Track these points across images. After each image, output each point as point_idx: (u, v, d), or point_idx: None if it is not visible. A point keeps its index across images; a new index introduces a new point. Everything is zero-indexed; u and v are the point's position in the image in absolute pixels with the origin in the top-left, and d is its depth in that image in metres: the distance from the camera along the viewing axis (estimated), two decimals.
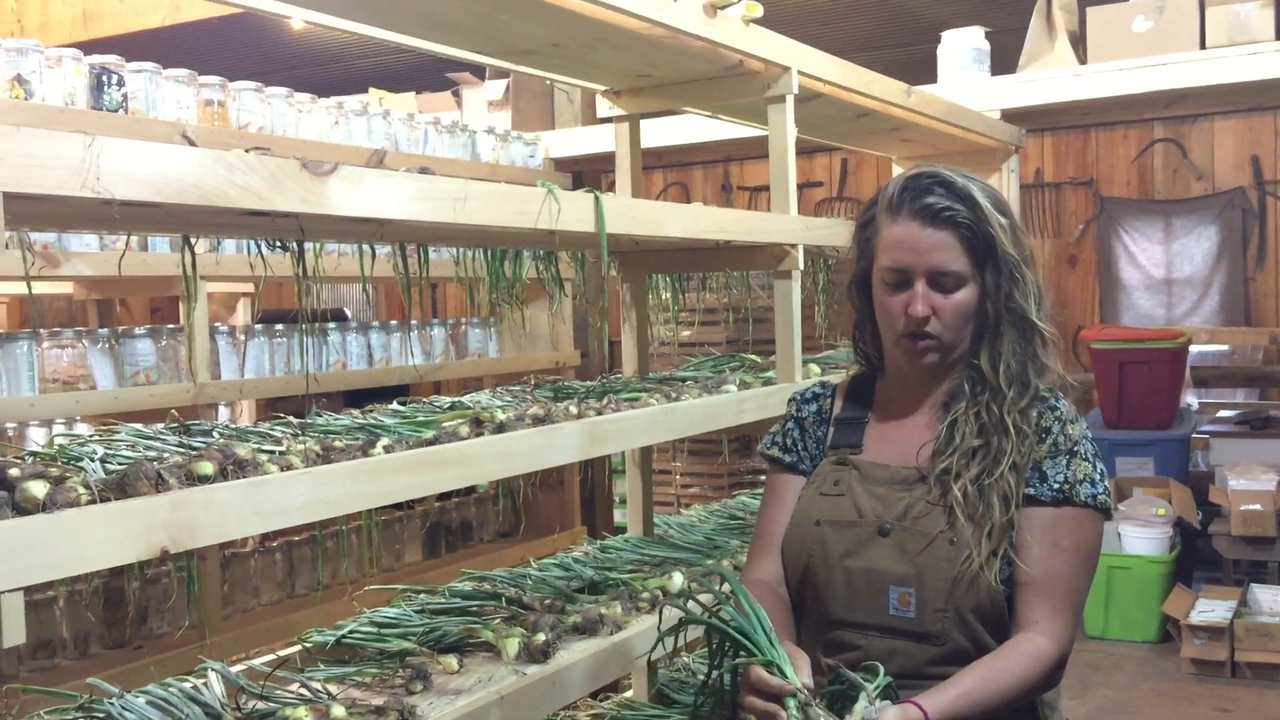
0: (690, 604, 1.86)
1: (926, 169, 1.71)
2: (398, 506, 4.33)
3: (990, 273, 1.67)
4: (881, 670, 1.57)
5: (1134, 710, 4.76)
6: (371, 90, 5.92)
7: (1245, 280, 7.31)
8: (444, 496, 4.79)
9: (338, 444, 1.77)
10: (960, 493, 1.62)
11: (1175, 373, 6.37)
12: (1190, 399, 7.06)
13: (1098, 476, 1.67)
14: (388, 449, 1.77)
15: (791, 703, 1.46)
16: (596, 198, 2.10)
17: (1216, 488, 5.99)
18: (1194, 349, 6.84)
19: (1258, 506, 5.69)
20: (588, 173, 5.37)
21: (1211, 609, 5.33)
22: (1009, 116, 4.41)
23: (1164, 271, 7.52)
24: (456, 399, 2.40)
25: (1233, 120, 7.34)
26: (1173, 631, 5.48)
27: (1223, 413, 6.80)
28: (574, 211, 2.03)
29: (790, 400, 1.94)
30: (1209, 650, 5.16)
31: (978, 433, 1.66)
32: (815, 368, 3.10)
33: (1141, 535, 5.56)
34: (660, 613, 1.95)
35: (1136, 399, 6.00)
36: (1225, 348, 7.38)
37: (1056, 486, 1.64)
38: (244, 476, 1.49)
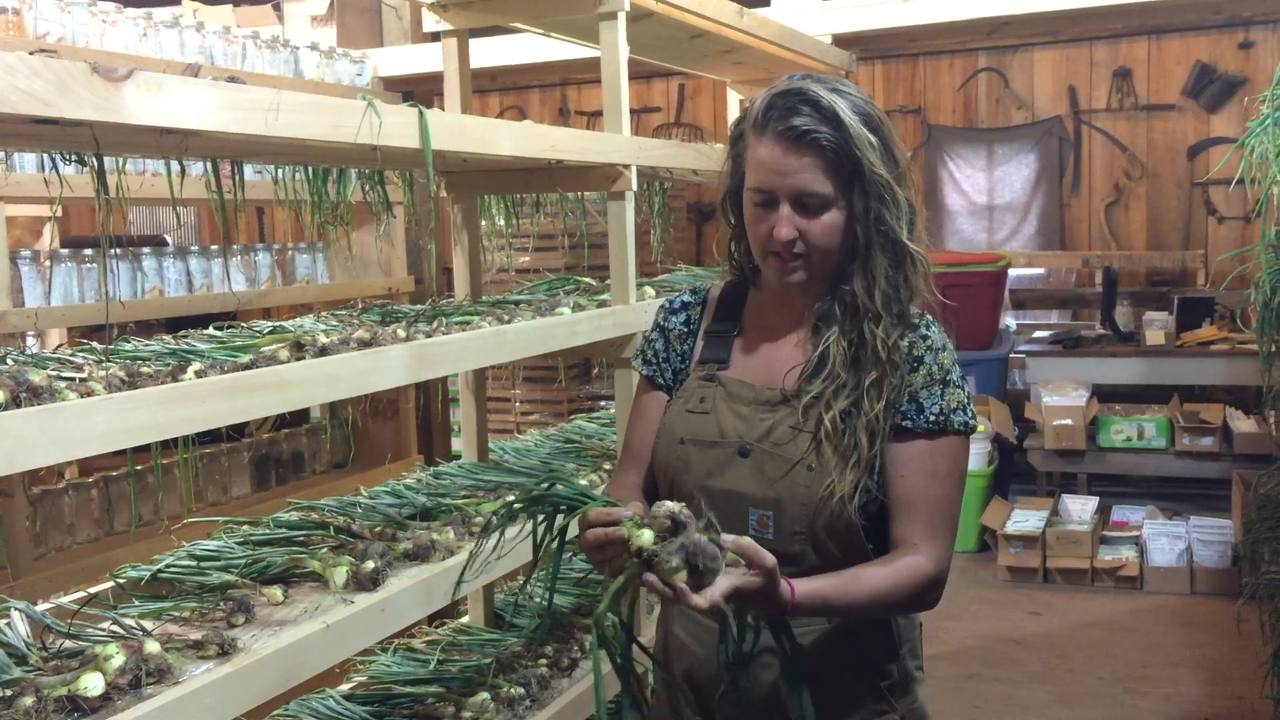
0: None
1: (795, 84, 1.63)
2: (220, 437, 4.17)
3: (858, 196, 1.62)
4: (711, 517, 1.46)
5: (955, 617, 5.00)
6: (185, 2, 5.59)
7: (1061, 206, 7.64)
8: (274, 427, 4.64)
9: (145, 370, 1.67)
10: (830, 424, 1.61)
11: (995, 295, 6.64)
12: (1009, 320, 7.38)
13: (966, 401, 1.68)
14: (199, 374, 1.69)
15: (628, 523, 1.41)
16: (421, 112, 2.02)
17: (1032, 404, 6.30)
18: (1012, 272, 7.14)
19: (1069, 421, 6.00)
20: (420, 94, 5.20)
21: (1026, 519, 5.62)
22: (840, 41, 4.44)
23: (986, 198, 7.80)
24: (278, 324, 2.31)
25: (1051, 51, 7.61)
26: (990, 541, 5.76)
27: (1038, 333, 7.14)
28: (397, 126, 1.95)
29: (659, 309, 1.87)
30: (1023, 558, 5.45)
31: (851, 363, 1.64)
32: (650, 290, 3.10)
33: None
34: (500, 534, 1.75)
35: (959, 321, 6.21)
36: (1041, 271, 7.72)
37: (933, 418, 1.64)
38: (40, 404, 1.40)
